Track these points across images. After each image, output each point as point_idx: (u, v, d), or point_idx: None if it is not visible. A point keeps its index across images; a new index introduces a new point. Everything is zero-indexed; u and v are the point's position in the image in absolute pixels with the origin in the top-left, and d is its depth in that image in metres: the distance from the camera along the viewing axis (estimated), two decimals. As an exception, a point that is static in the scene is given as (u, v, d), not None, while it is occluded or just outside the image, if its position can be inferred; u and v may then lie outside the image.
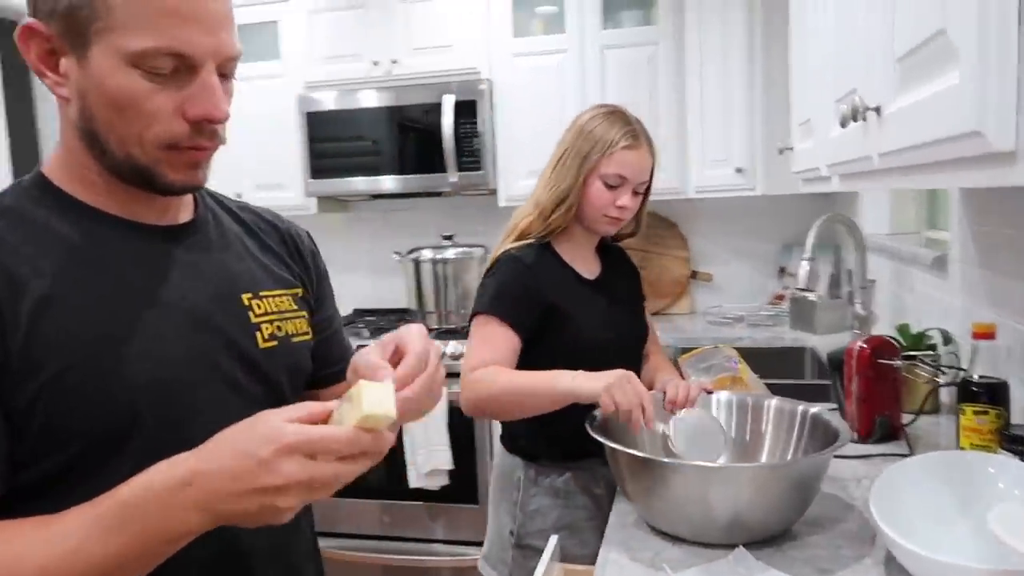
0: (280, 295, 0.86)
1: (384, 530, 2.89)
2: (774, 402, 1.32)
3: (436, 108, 2.92)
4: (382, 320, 3.17)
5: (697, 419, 1.27)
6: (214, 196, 0.90)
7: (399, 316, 3.22)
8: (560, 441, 1.44)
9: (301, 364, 0.87)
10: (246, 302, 0.82)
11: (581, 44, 2.90)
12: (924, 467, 1.08)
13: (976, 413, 1.25)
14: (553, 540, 1.22)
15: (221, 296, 0.80)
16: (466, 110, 2.93)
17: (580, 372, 1.28)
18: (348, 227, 3.52)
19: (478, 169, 2.93)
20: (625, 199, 1.44)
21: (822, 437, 1.16)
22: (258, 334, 0.81)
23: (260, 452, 0.60)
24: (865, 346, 1.50)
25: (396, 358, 0.73)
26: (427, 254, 3.01)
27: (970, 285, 1.58)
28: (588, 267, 1.54)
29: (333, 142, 3.07)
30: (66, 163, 0.74)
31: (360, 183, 3.06)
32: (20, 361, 0.65)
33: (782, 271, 3.09)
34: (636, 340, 1.59)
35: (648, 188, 1.52)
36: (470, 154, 2.95)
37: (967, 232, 1.59)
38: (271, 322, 0.83)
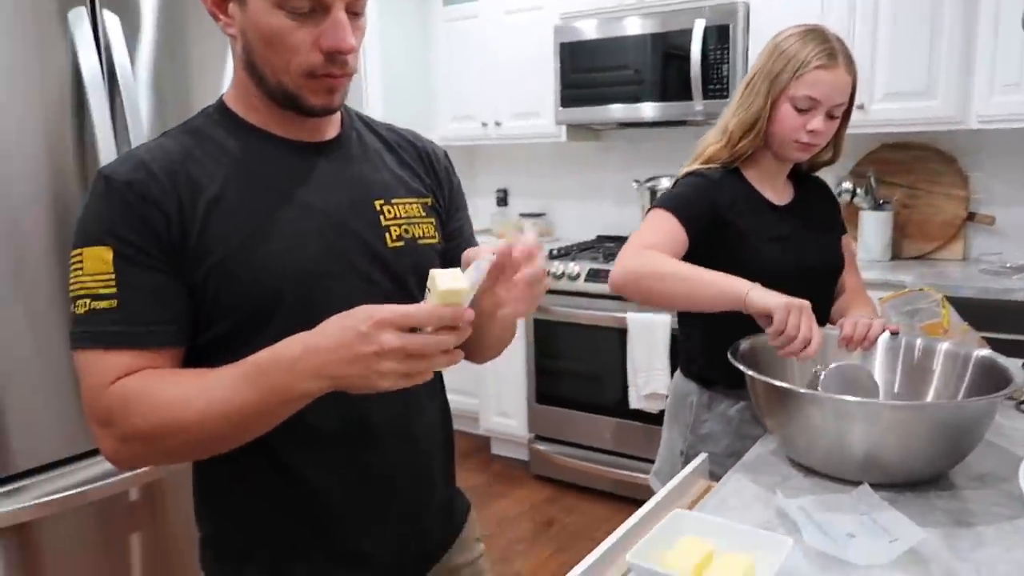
0: (410, 203, 0.99)
1: (613, 446, 3.06)
2: (945, 346, 1.19)
3: (687, 34, 2.87)
4: (618, 247, 3.26)
5: (852, 371, 1.19)
6: (362, 118, 1.05)
7: (637, 244, 3.28)
8: (737, 369, 1.44)
9: (427, 264, 0.97)
10: (378, 207, 0.96)
11: (850, -45, 2.63)
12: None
13: None
14: (702, 456, 1.26)
15: (356, 202, 0.94)
16: (718, 36, 2.84)
17: (757, 284, 1.23)
18: (597, 156, 3.62)
19: (725, 97, 2.84)
20: (817, 123, 1.35)
21: (993, 384, 1.04)
22: (387, 235, 0.95)
23: (359, 326, 0.74)
24: (1115, 300, 1.27)
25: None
26: (664, 183, 3.01)
27: None
28: (777, 193, 1.49)
29: (582, 72, 3.16)
30: (238, 92, 0.93)
31: (604, 111, 3.13)
32: (196, 247, 0.85)
33: (1089, 217, 2.59)
34: (826, 271, 1.50)
35: (848, 112, 1.41)
36: (717, 81, 2.87)
37: None
38: (399, 225, 0.97)
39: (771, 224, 1.45)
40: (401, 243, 0.96)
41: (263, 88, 0.89)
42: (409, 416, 0.99)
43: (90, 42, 1.63)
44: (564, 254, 3.24)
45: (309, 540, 0.94)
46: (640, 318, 2.80)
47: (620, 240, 3.46)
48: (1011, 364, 1.08)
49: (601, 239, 3.57)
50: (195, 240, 0.85)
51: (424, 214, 1.01)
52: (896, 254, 2.88)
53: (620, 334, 2.90)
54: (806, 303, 1.18)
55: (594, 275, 3.00)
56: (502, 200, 3.88)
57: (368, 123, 1.05)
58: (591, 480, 3.10)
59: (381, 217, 0.96)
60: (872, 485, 1.01)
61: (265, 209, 0.88)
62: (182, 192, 0.85)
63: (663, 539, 0.86)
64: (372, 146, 1.02)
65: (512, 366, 3.33)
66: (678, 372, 1.60)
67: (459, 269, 0.76)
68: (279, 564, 0.94)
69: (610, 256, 3.09)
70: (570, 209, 3.76)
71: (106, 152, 1.62)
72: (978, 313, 2.18)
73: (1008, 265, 2.55)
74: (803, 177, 1.56)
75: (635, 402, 2.86)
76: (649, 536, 0.86)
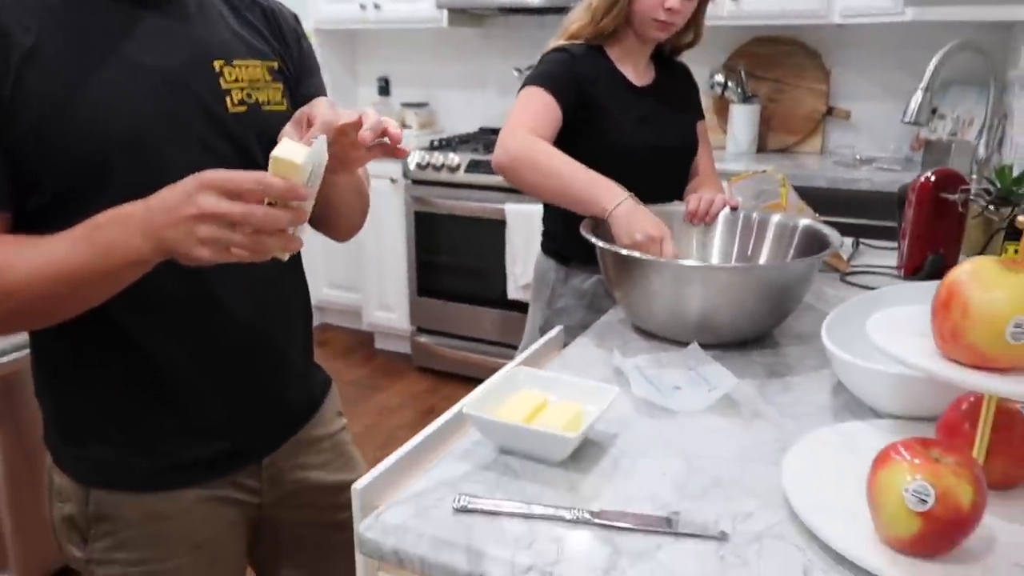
0: (254, 65, 0.94)
1: (493, 335, 3.14)
2: (776, 218, 1.28)
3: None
4: (501, 138, 3.24)
5: None
6: None
7: (517, 135, 3.27)
8: (591, 246, 1.49)
9: (274, 132, 0.93)
10: (217, 68, 0.90)
11: None
12: (923, 291, 1.04)
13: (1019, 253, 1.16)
14: (557, 328, 1.31)
15: (192, 62, 0.88)
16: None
17: (624, 201, 1.24)
18: (480, 43, 3.54)
19: (604, -16, 2.81)
20: (674, 1, 1.37)
21: (816, 249, 1.14)
22: (228, 99, 0.90)
23: (186, 187, 0.72)
24: (930, 178, 1.39)
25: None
26: (544, 72, 2.98)
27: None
28: (639, 74, 1.51)
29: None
30: None
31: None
32: (11, 102, 0.78)
33: (932, 112, 2.77)
34: (680, 152, 1.56)
35: None
36: (598, -33, 2.83)
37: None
38: (241, 89, 0.92)
39: (631, 103, 1.48)
40: (243, 108, 0.92)
41: None
42: (260, 287, 0.97)
43: None
44: (445, 145, 3.20)
45: (158, 413, 0.93)
46: (518, 209, 2.83)
47: (502, 132, 3.44)
48: (830, 231, 1.17)
49: (484, 131, 3.53)
50: (9, 93, 0.78)
51: (270, 78, 0.96)
52: (762, 147, 3.01)
53: (500, 225, 2.93)
54: (660, 235, 1.19)
55: (475, 166, 2.99)
56: (383, 89, 3.76)
57: None
58: (472, 369, 3.19)
59: (221, 79, 0.90)
60: (704, 346, 1.09)
61: (89, 66, 0.82)
62: None
63: (501, 392, 0.90)
64: (210, 3, 0.95)
65: (393, 259, 3.32)
66: (539, 252, 1.64)
67: (304, 145, 0.73)
68: (128, 438, 0.93)
69: (490, 148, 3.05)
70: (453, 99, 3.69)
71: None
72: (827, 201, 2.33)
73: (858, 157, 2.72)
74: (667, 61, 1.59)
75: (513, 292, 2.93)
76: (486, 389, 0.89)
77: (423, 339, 3.29)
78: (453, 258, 3.14)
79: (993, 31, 2.58)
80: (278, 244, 0.73)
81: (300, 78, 1.03)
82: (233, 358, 0.96)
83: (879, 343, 0.68)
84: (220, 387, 0.96)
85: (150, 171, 0.82)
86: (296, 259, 1.05)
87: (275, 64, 0.98)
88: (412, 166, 3.12)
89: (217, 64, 0.91)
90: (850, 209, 2.37)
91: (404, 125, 3.60)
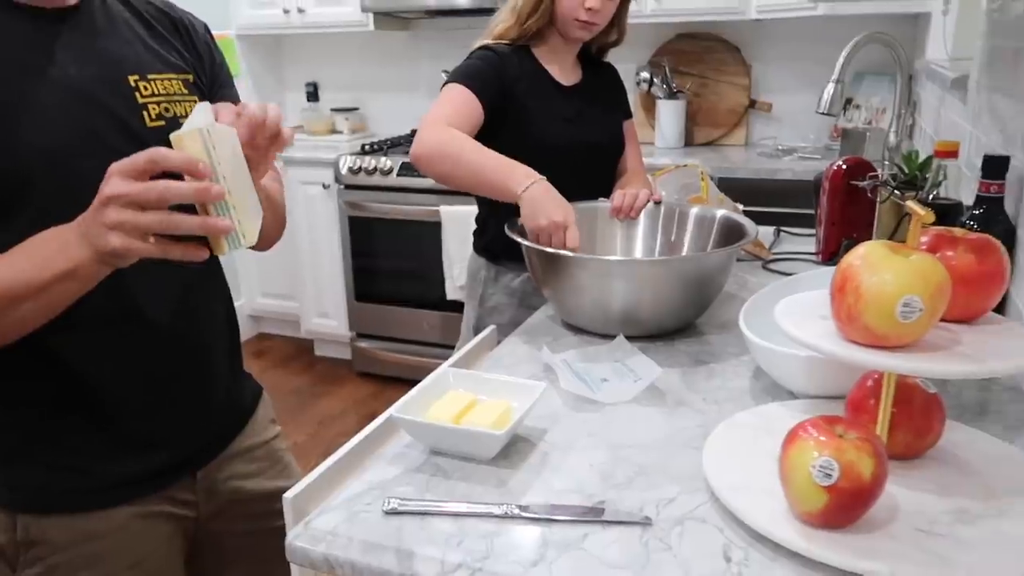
0: (169, 79, 0.93)
1: (434, 337, 3.13)
2: (695, 210, 1.32)
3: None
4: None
5: None
6: None
7: (449, 137, 3.28)
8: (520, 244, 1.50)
9: None
10: (132, 83, 0.89)
11: None
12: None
13: (923, 235, 1.21)
14: (490, 328, 1.32)
15: (106, 77, 0.87)
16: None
17: (534, 184, 1.24)
18: (408, 46, 3.53)
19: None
20: (594, 1, 1.40)
21: (734, 239, 1.17)
22: (145, 114, 0.89)
23: (101, 184, 0.72)
24: (842, 166, 1.44)
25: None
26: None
27: (982, 109, 1.46)
28: (565, 74, 1.53)
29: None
30: None
31: (411, -2, 3.03)
32: None
33: (848, 102, 2.89)
34: (607, 150, 1.59)
35: None
36: (522, -32, 2.85)
37: (989, 48, 1.45)
38: (159, 103, 0.91)
39: (557, 103, 1.50)
40: (162, 123, 0.90)
41: None
42: (183, 297, 0.96)
43: None
44: (377, 149, 3.18)
45: (87, 431, 0.91)
46: (453, 210, 2.83)
47: (434, 134, 3.43)
48: (746, 221, 1.21)
49: (415, 133, 3.52)
50: None
51: (186, 91, 0.95)
52: (689, 141, 3.08)
53: (435, 227, 2.93)
54: (564, 220, 1.18)
55: (407, 169, 2.98)
56: (312, 95, 3.71)
57: None
58: (414, 372, 3.17)
59: (137, 94, 0.89)
60: (630, 338, 1.11)
61: (1, 82, 0.80)
62: None
63: (431, 395, 0.91)
64: (120, 16, 0.93)
65: (329, 266, 3.28)
66: (471, 251, 1.65)
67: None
68: (57, 459, 0.90)
69: (422, 149, 3.07)
70: (383, 103, 3.67)
71: None
72: (752, 191, 2.40)
73: (780, 148, 2.80)
74: (595, 62, 1.61)
75: (452, 293, 2.93)
76: (415, 393, 0.90)
77: (363, 344, 3.27)
78: (390, 262, 3.12)
79: (900, 23, 2.69)
80: (195, 224, 0.72)
81: (213, 90, 1.02)
82: (160, 371, 0.95)
83: (785, 327, 0.71)
84: (149, 401, 0.94)
85: (71, 185, 0.80)
86: (216, 266, 1.04)
87: (190, 77, 0.97)
88: (344, 171, 3.09)
89: (132, 79, 0.90)
90: (774, 198, 2.45)
91: (335, 130, 3.56)
